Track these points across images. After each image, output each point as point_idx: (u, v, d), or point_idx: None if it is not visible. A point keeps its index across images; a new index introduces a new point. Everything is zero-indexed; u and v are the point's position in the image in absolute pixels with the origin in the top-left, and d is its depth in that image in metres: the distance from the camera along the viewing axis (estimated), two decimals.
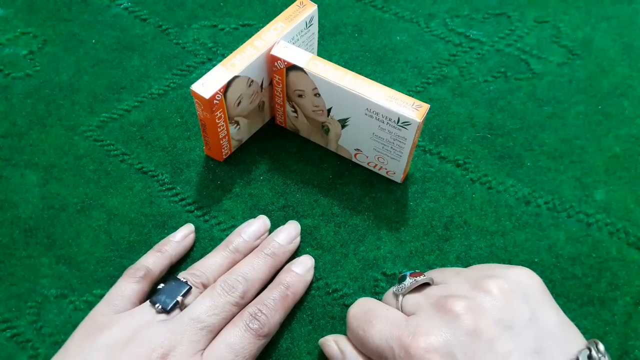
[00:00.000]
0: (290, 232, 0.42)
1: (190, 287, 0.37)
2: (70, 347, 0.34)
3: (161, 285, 0.37)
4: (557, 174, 0.47)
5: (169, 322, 0.35)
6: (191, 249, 0.43)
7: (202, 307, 0.35)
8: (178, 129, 0.49)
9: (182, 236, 0.42)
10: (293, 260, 0.41)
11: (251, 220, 0.43)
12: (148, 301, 0.36)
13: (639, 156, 0.48)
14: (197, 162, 0.47)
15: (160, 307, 0.36)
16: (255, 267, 0.39)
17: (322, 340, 0.37)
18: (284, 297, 0.38)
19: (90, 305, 0.37)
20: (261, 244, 0.41)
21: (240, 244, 0.40)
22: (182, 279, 0.37)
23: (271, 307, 0.37)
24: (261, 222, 0.42)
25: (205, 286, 0.38)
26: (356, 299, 0.37)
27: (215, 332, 0.35)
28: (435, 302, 0.32)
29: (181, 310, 0.36)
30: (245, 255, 0.40)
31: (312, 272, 0.41)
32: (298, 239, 0.42)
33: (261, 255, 0.39)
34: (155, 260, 0.39)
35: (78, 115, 0.49)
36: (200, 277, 0.38)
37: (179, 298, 0.36)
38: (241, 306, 0.37)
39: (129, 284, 0.37)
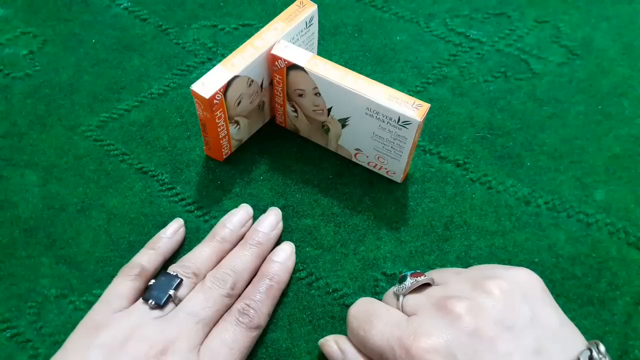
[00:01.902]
0: (271, 220, 0.42)
1: (182, 280, 0.37)
2: (69, 347, 0.34)
3: (152, 282, 0.37)
4: (557, 174, 0.47)
5: (165, 318, 0.35)
6: (182, 244, 0.43)
7: (196, 302, 0.36)
8: (178, 129, 0.49)
9: (173, 232, 0.42)
10: (274, 250, 0.41)
11: (234, 210, 0.43)
12: (141, 299, 0.37)
13: (639, 156, 0.48)
14: (197, 162, 0.47)
15: (153, 302, 0.36)
16: (242, 259, 0.39)
17: (322, 341, 0.37)
18: (269, 288, 0.39)
19: (90, 305, 0.37)
20: (246, 235, 0.41)
21: (226, 234, 0.41)
22: (172, 273, 0.38)
23: (258, 300, 0.38)
24: (244, 210, 0.43)
25: (196, 275, 0.38)
26: (356, 299, 0.37)
27: (211, 325, 0.36)
28: (436, 303, 0.32)
29: (175, 304, 0.36)
30: (232, 244, 0.41)
31: (293, 258, 0.42)
32: (280, 225, 0.43)
33: (247, 246, 0.40)
34: (149, 257, 0.40)
35: (78, 115, 0.49)
36: (191, 267, 0.38)
37: (171, 292, 0.36)
38: (233, 297, 0.38)
39: (124, 282, 0.38)
